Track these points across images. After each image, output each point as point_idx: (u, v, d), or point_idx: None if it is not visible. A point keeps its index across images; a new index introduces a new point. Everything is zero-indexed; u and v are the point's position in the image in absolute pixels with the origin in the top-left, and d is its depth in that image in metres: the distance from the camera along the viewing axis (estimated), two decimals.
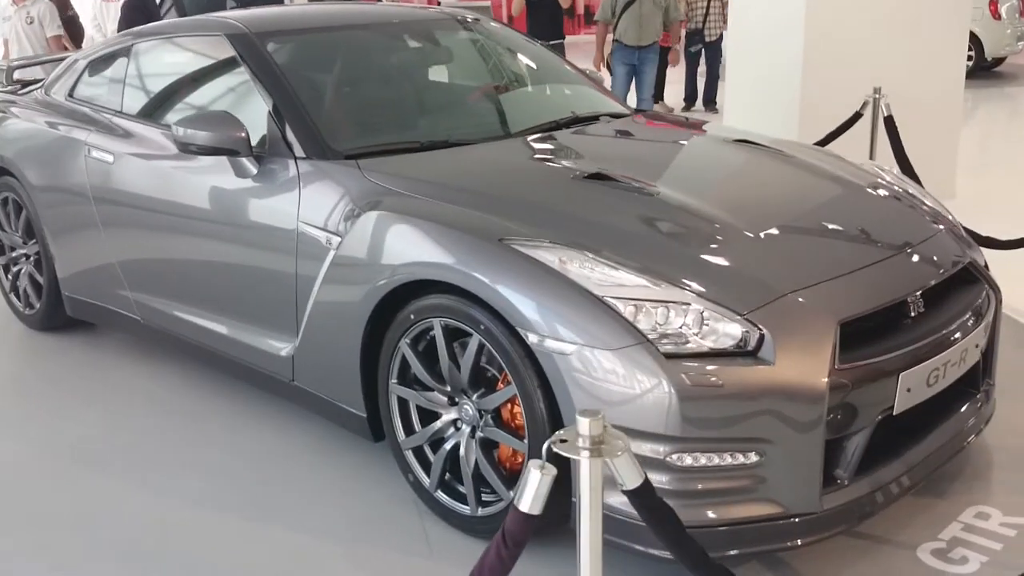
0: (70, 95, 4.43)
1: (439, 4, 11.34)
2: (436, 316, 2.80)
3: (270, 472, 3.35)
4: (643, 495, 1.75)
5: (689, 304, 2.52)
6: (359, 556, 2.87)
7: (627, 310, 2.50)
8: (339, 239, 3.06)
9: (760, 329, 2.50)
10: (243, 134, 3.30)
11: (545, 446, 1.70)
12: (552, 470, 1.59)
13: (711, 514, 2.48)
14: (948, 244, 3.12)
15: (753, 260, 2.74)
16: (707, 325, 2.51)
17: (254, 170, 3.38)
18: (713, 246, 2.78)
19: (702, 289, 2.56)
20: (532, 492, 1.78)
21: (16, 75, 5.13)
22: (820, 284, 2.68)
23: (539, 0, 9.14)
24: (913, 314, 2.79)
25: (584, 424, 1.59)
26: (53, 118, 4.38)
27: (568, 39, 10.17)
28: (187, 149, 3.35)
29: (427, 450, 2.97)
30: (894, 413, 2.67)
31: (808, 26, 6.57)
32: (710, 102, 11.99)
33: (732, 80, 7.77)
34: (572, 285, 2.55)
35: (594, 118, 3.92)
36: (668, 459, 2.45)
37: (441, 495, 2.93)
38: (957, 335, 2.83)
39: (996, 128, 11.03)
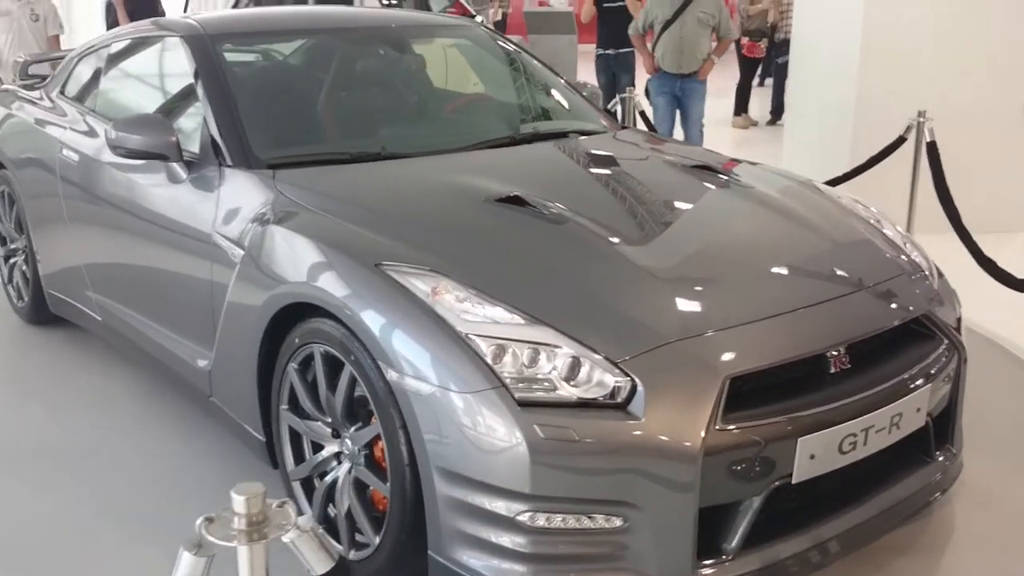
0: (61, 92, 4.44)
1: (471, 15, 11.08)
2: (316, 342, 2.64)
3: (176, 484, 3.24)
4: None
5: (560, 347, 2.29)
6: None
7: (490, 350, 2.28)
8: (242, 252, 2.93)
9: (633, 379, 2.25)
10: (173, 138, 3.22)
11: (198, 524, 1.49)
12: (210, 550, 1.39)
13: None
14: (899, 293, 2.79)
15: (649, 302, 2.48)
16: (579, 372, 2.28)
17: (184, 175, 3.29)
18: (609, 285, 2.54)
19: (579, 332, 2.32)
20: None
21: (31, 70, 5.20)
22: (716, 333, 2.40)
23: (610, 7, 8.84)
24: (833, 371, 2.49)
25: (239, 502, 1.38)
26: (43, 115, 4.40)
27: None
28: (118, 152, 3.29)
29: (316, 482, 2.81)
30: (793, 482, 2.37)
31: (865, 38, 6.19)
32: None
33: (791, 96, 7.42)
34: (436, 319, 2.35)
35: (562, 135, 3.69)
36: (519, 518, 2.23)
37: (323, 532, 2.76)
38: (885, 398, 2.51)
39: None
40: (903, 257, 2.99)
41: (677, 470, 2.21)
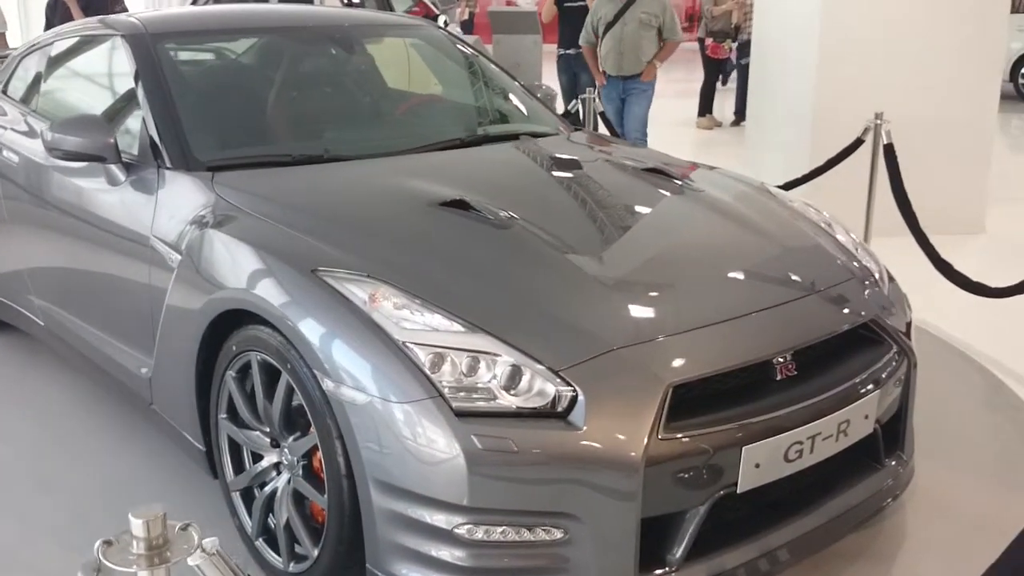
0: (3, 92, 4.33)
1: (435, 15, 11.03)
2: (252, 349, 2.57)
3: (113, 498, 3.15)
4: None
5: (499, 355, 2.24)
6: None
7: (428, 359, 2.22)
8: (179, 256, 2.85)
9: (574, 388, 2.20)
10: (111, 140, 3.13)
11: (96, 547, 1.42)
12: (111, 574, 1.32)
13: None
14: (847, 298, 2.76)
15: (593, 309, 2.43)
16: (520, 380, 2.22)
17: (122, 177, 3.21)
18: (553, 291, 2.48)
19: (520, 339, 2.27)
20: None
21: None
22: (659, 339, 2.36)
23: (571, 7, 8.78)
24: (779, 377, 2.45)
25: (138, 525, 1.31)
26: None
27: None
28: (55, 154, 3.19)
29: (256, 493, 2.74)
30: (738, 491, 2.33)
31: (823, 40, 6.18)
32: None
33: (752, 97, 7.42)
34: (373, 327, 2.29)
35: (512, 136, 3.64)
36: (457, 531, 2.17)
37: (261, 544, 2.69)
38: (832, 404, 2.47)
39: None
40: (853, 262, 2.96)
41: (619, 480, 2.16)
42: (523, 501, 2.17)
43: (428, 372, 2.20)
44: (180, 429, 3.01)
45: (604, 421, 2.18)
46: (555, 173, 3.32)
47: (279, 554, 2.61)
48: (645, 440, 2.17)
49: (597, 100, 6.48)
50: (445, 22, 11.11)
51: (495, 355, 2.24)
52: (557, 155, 3.45)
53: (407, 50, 4.13)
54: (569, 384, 2.20)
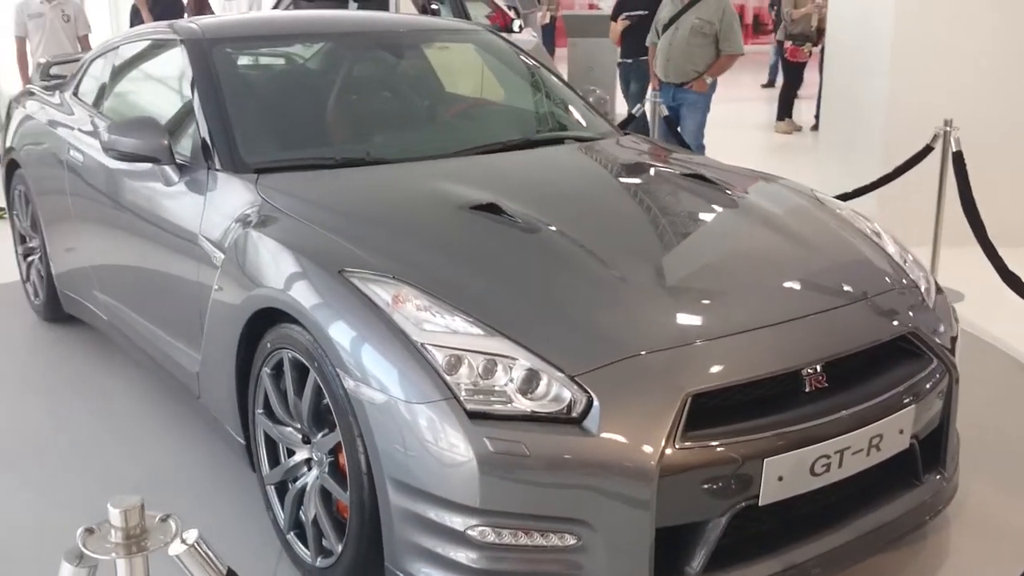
0: (74, 93, 4.50)
1: (511, 21, 11.04)
2: (285, 347, 2.62)
3: (159, 485, 3.25)
4: None
5: (516, 359, 2.25)
6: None
7: (445, 360, 2.24)
8: (223, 255, 2.93)
9: (589, 394, 2.20)
10: (165, 142, 3.23)
11: (78, 534, 1.46)
12: (91, 562, 1.37)
13: None
14: (886, 310, 2.69)
15: (615, 315, 2.42)
16: (536, 385, 2.22)
17: (175, 178, 3.31)
18: (576, 296, 2.48)
19: (538, 344, 2.27)
20: None
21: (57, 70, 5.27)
22: (681, 347, 2.33)
23: (631, 16, 8.68)
24: (808, 389, 2.40)
25: (115, 515, 1.35)
26: (55, 115, 4.45)
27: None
28: (111, 154, 3.31)
29: (289, 487, 2.79)
30: (760, 503, 2.29)
31: (896, 45, 6.04)
32: None
33: (825, 102, 7.28)
34: (393, 328, 2.32)
35: (558, 141, 3.64)
36: (470, 532, 2.19)
37: (292, 537, 2.75)
38: (863, 418, 2.42)
39: None
40: (897, 273, 2.88)
41: (632, 488, 2.15)
42: (535, 505, 2.17)
43: (444, 374, 2.22)
44: (223, 423, 3.09)
45: (619, 427, 2.17)
46: (594, 178, 3.31)
47: (308, 548, 2.66)
48: (660, 448, 2.15)
49: (661, 106, 6.39)
50: (520, 27, 11.13)
51: (512, 359, 2.25)
52: (598, 160, 3.43)
53: (458, 55, 4.16)
54: (584, 389, 2.20)
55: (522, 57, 4.23)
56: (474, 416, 2.18)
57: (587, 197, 3.15)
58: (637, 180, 3.33)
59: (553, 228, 2.74)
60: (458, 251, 2.65)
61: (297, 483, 2.70)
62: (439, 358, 2.25)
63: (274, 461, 2.82)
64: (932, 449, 2.72)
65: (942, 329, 2.79)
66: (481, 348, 2.27)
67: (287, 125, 3.49)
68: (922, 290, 2.87)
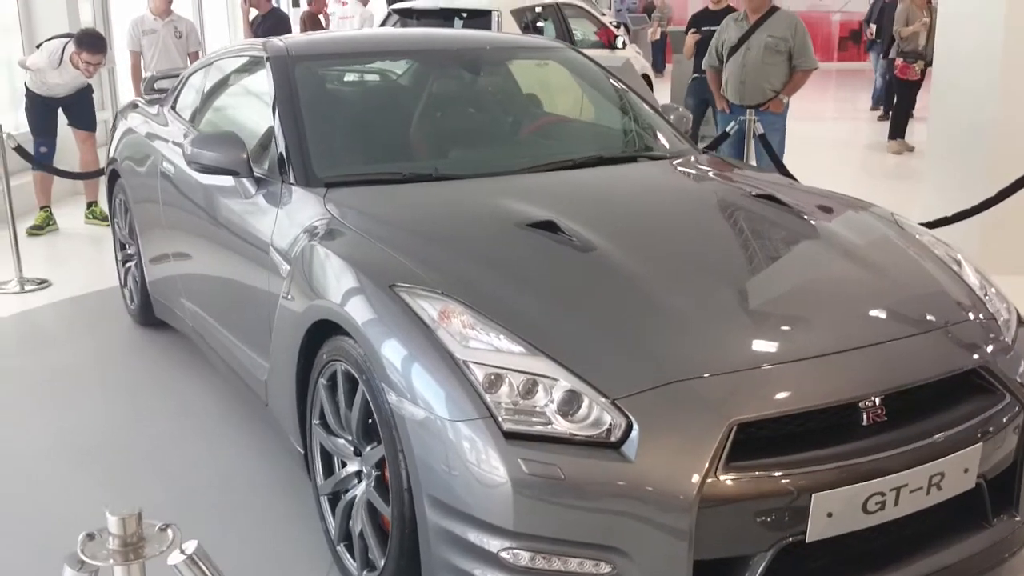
0: (172, 107, 4.67)
1: (614, 37, 11.01)
2: (338, 359, 2.66)
3: (227, 492, 3.33)
4: None
5: (557, 380, 2.22)
6: None
7: (486, 378, 2.23)
8: (288, 267, 2.99)
9: (629, 418, 2.15)
10: (244, 155, 3.32)
11: (79, 539, 1.48)
12: (92, 567, 1.39)
13: None
14: (956, 342, 2.56)
15: (663, 338, 2.37)
16: (577, 407, 2.19)
17: (252, 191, 3.39)
18: (624, 317, 2.44)
19: (580, 365, 2.24)
20: None
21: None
22: (728, 374, 2.27)
23: (707, 31, 8.54)
24: (865, 422, 2.31)
25: (113, 523, 1.37)
26: (153, 128, 4.63)
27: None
28: (194, 167, 3.42)
29: (341, 498, 2.82)
30: (807, 540, 2.21)
31: (1005, 66, 5.78)
32: None
33: (931, 123, 7.00)
34: (436, 344, 2.32)
35: (631, 158, 3.60)
36: (503, 555, 2.17)
37: (342, 549, 2.77)
38: (922, 455, 2.30)
39: None
40: (974, 303, 2.74)
41: (670, 518, 2.10)
42: (569, 530, 2.13)
43: (483, 392, 2.21)
44: (286, 431, 3.14)
45: (658, 455, 2.12)
46: (659, 197, 3.26)
47: (355, 560, 2.68)
48: (701, 477, 2.10)
49: (757, 124, 6.25)
50: (623, 43, 11.09)
51: (553, 379, 2.22)
52: (667, 179, 3.38)
53: (538, 72, 4.16)
54: (624, 414, 2.16)
55: (604, 76, 4.20)
56: (511, 436, 2.16)
57: (650, 216, 3.10)
58: (705, 200, 3.27)
59: (608, 247, 2.71)
60: (510, 268, 2.64)
61: (347, 495, 2.73)
62: (479, 376, 2.24)
63: (328, 472, 2.85)
64: (1004, 489, 2.58)
65: (1020, 364, 2.64)
66: (522, 367, 2.25)
67: (360, 141, 3.55)
68: (1000, 323, 2.73)
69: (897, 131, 10.98)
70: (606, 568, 2.14)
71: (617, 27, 13.90)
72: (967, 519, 2.54)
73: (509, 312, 2.40)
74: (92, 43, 6.69)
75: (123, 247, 5.10)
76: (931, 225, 5.59)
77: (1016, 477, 2.58)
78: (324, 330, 2.75)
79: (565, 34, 10.55)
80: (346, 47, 4.00)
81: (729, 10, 7.86)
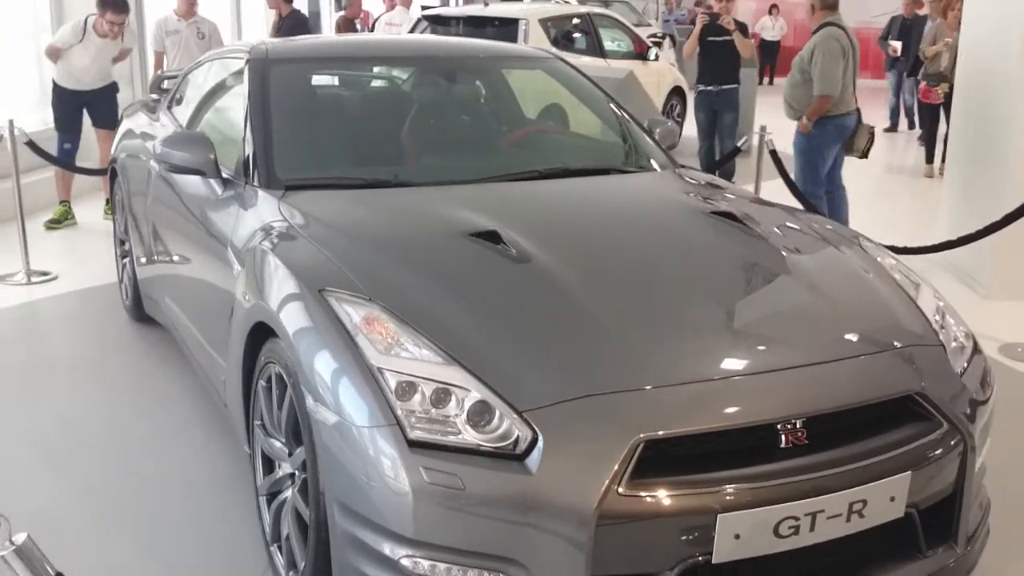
0: (168, 107, 4.74)
1: (647, 49, 10.96)
2: (272, 362, 2.67)
3: (177, 487, 3.36)
4: None
5: (469, 390, 2.21)
6: None
7: (398, 386, 2.23)
8: (241, 268, 3.02)
9: (534, 431, 2.14)
10: (211, 156, 3.36)
11: None
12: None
13: None
14: (893, 367, 2.51)
15: (584, 351, 2.34)
16: (488, 417, 2.18)
17: (219, 191, 3.43)
18: (548, 329, 2.42)
19: (493, 376, 2.23)
20: None
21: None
22: (644, 390, 2.24)
23: (715, 42, 8.44)
24: (783, 445, 2.26)
25: None
26: (147, 127, 4.70)
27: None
28: (164, 167, 3.47)
29: (274, 500, 2.83)
30: (714, 561, 2.17)
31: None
32: None
33: (951, 146, 6.87)
34: (353, 350, 2.32)
35: (603, 171, 3.59)
36: (403, 562, 2.16)
37: (275, 550, 2.78)
38: (842, 481, 2.25)
39: None
40: (922, 330, 2.68)
41: (568, 532, 2.07)
42: (469, 541, 2.12)
43: (395, 399, 2.21)
44: (237, 432, 3.16)
45: (559, 467, 2.10)
46: (612, 210, 3.24)
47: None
48: (601, 492, 2.07)
49: (774, 137, 6.17)
50: (656, 56, 11.05)
51: (466, 389, 2.21)
52: (629, 192, 3.36)
53: (522, 82, 4.15)
54: (531, 426, 2.14)
55: (591, 86, 4.18)
56: (415, 445, 2.15)
57: (597, 230, 3.07)
58: (657, 216, 3.24)
59: (546, 259, 2.69)
60: (444, 276, 2.63)
61: (280, 496, 2.74)
62: (392, 383, 2.23)
63: (269, 473, 2.87)
64: (942, 520, 2.51)
65: (965, 393, 2.57)
66: (436, 376, 2.24)
67: (325, 145, 3.57)
68: (949, 350, 2.66)
69: (930, 155, 10.79)
70: None
71: (662, 38, 13.85)
72: (902, 548, 2.48)
73: (433, 320, 2.39)
74: (115, 2, 6.82)
75: (121, 243, 5.19)
76: (936, 248, 5.50)
77: (955, 508, 2.52)
78: (264, 332, 2.77)
79: (595, 45, 10.54)
80: (326, 52, 4.03)
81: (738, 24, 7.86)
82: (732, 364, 2.38)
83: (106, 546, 3.04)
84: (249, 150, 3.39)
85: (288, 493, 2.68)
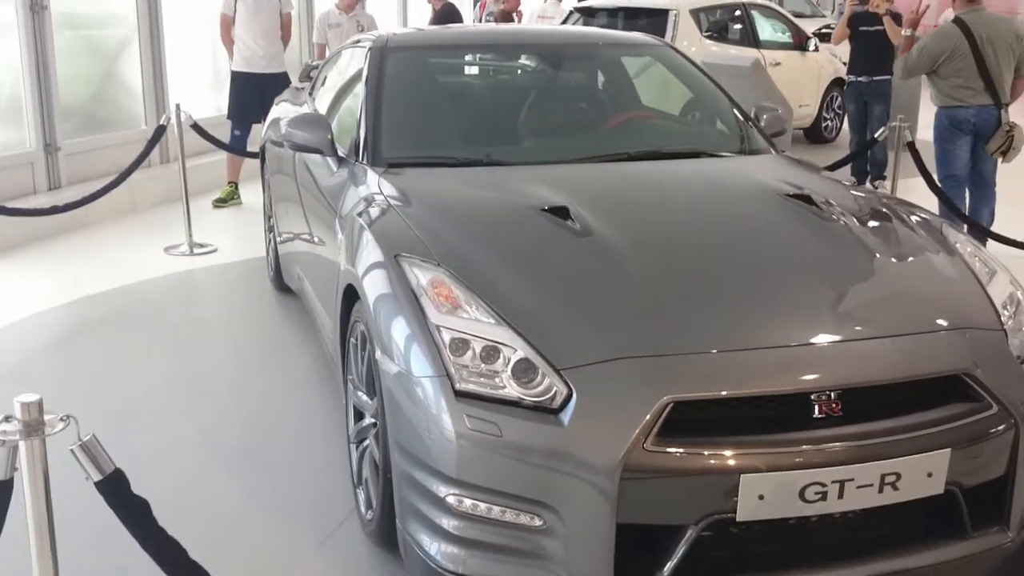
0: (310, 93, 5.12)
1: (806, 40, 10.70)
2: (359, 320, 2.94)
3: (288, 437, 3.69)
4: (111, 486, 1.77)
5: (515, 349, 2.41)
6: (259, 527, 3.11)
7: (452, 342, 2.45)
8: (342, 237, 3.31)
9: (570, 388, 2.31)
10: (328, 136, 3.67)
11: None
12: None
13: (494, 572, 2.35)
14: (942, 348, 2.53)
15: (625, 317, 2.50)
16: (534, 375, 2.37)
17: (334, 168, 3.74)
18: (596, 297, 2.58)
19: (538, 337, 2.42)
20: None
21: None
22: (674, 356, 2.38)
23: (866, 31, 8.18)
24: (816, 415, 2.35)
25: (18, 407, 1.67)
26: (293, 113, 5.09)
27: None
28: (288, 145, 3.81)
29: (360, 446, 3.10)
30: (737, 519, 2.28)
31: None
32: None
33: None
34: (416, 309, 2.55)
35: (694, 154, 3.70)
36: (448, 499, 2.38)
37: (360, 492, 3.06)
38: (875, 453, 2.31)
39: None
40: (983, 313, 2.68)
41: (596, 481, 2.23)
42: (505, 483, 2.31)
43: (447, 354, 2.42)
44: (339, 386, 3.46)
45: (590, 422, 2.26)
46: (687, 190, 3.35)
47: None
48: (627, 447, 2.22)
49: (911, 127, 6.04)
50: (815, 46, 10.83)
51: (512, 348, 2.41)
52: (712, 176, 3.46)
53: (633, 68, 4.28)
54: (567, 383, 2.32)
55: (699, 73, 4.28)
56: (461, 395, 2.36)
57: (666, 208, 3.20)
58: (729, 195, 3.32)
59: (606, 233, 2.84)
60: (509, 247, 2.82)
61: (363, 443, 3.01)
62: (447, 339, 2.45)
63: (358, 422, 3.14)
64: (992, 502, 2.52)
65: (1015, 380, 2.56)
66: (487, 335, 2.44)
67: (429, 126, 3.83)
68: (1010, 335, 2.65)
69: None
70: (537, 522, 2.30)
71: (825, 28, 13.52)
72: (947, 527, 2.51)
73: (491, 286, 2.59)
74: None
75: (268, 219, 5.63)
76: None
77: (1007, 492, 2.52)
78: (355, 294, 3.04)
79: (749, 35, 10.45)
80: (443, 41, 4.29)
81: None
82: (767, 336, 2.47)
83: (208, 478, 3.40)
84: (362, 131, 3.68)
85: (368, 440, 2.95)
